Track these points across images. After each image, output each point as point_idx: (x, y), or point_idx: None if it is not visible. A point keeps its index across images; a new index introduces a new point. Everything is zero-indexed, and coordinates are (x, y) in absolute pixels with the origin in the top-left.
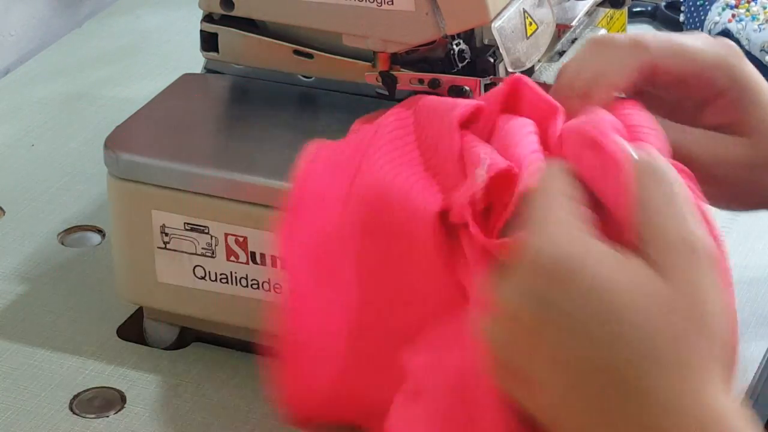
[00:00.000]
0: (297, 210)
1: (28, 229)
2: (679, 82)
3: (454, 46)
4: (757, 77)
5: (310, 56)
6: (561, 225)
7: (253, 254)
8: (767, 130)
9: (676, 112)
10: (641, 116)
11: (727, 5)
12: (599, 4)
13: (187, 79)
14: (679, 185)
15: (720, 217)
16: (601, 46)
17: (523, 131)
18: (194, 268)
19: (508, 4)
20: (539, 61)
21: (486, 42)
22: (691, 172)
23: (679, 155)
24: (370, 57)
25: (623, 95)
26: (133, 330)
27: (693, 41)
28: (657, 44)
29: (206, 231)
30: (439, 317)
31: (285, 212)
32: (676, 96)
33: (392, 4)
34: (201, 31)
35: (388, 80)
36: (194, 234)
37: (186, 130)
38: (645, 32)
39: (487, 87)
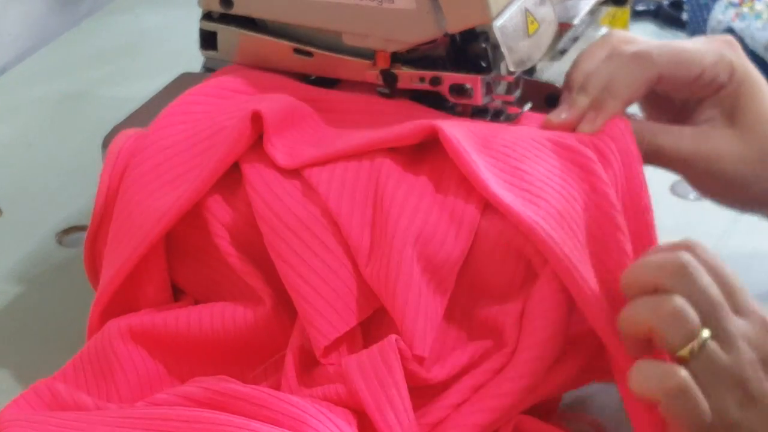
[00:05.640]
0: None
1: (25, 230)
2: (684, 86)
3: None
4: (752, 71)
5: (310, 54)
6: None
7: None
8: (757, 123)
9: (682, 111)
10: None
11: (731, 3)
12: (602, 3)
13: (186, 78)
14: None
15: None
16: (608, 60)
17: None
18: None
19: (509, 3)
20: (540, 59)
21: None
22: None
23: (675, 157)
24: (370, 55)
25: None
26: None
27: (693, 45)
28: (661, 55)
29: None
30: None
31: None
32: (680, 97)
33: (393, 2)
34: (200, 29)
35: (389, 78)
36: None
37: None
38: (647, 41)
39: (488, 85)
